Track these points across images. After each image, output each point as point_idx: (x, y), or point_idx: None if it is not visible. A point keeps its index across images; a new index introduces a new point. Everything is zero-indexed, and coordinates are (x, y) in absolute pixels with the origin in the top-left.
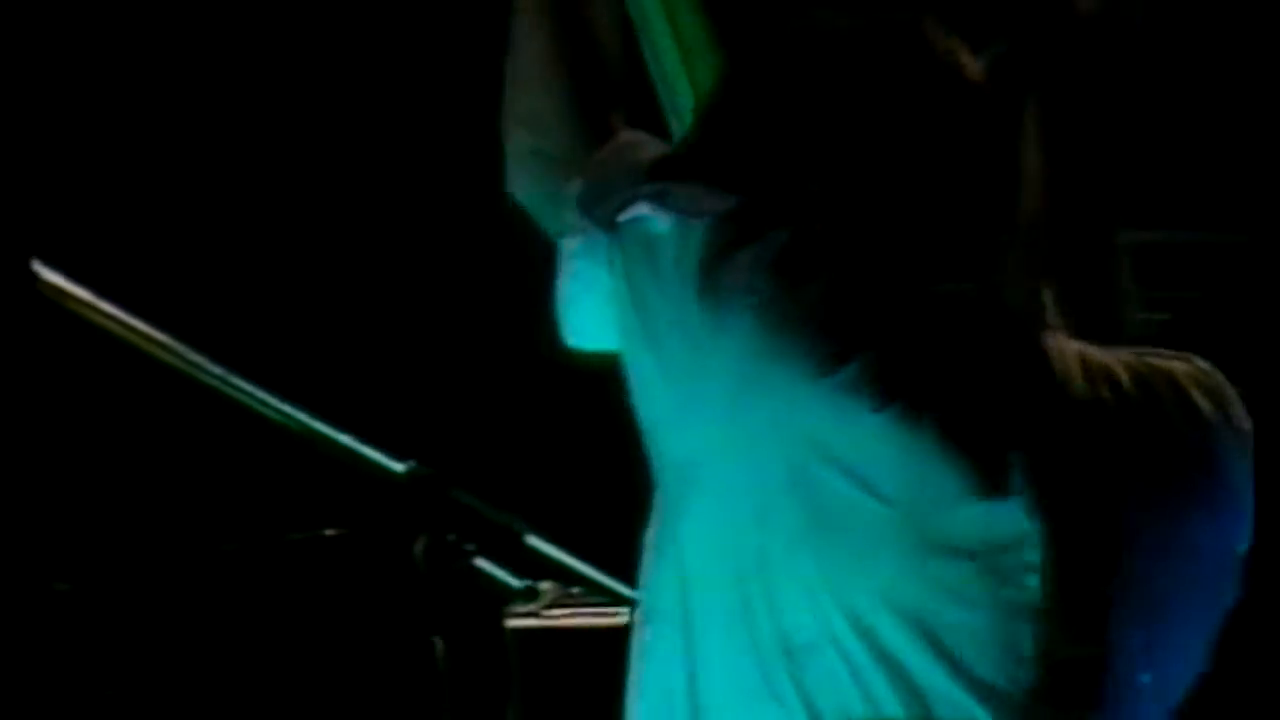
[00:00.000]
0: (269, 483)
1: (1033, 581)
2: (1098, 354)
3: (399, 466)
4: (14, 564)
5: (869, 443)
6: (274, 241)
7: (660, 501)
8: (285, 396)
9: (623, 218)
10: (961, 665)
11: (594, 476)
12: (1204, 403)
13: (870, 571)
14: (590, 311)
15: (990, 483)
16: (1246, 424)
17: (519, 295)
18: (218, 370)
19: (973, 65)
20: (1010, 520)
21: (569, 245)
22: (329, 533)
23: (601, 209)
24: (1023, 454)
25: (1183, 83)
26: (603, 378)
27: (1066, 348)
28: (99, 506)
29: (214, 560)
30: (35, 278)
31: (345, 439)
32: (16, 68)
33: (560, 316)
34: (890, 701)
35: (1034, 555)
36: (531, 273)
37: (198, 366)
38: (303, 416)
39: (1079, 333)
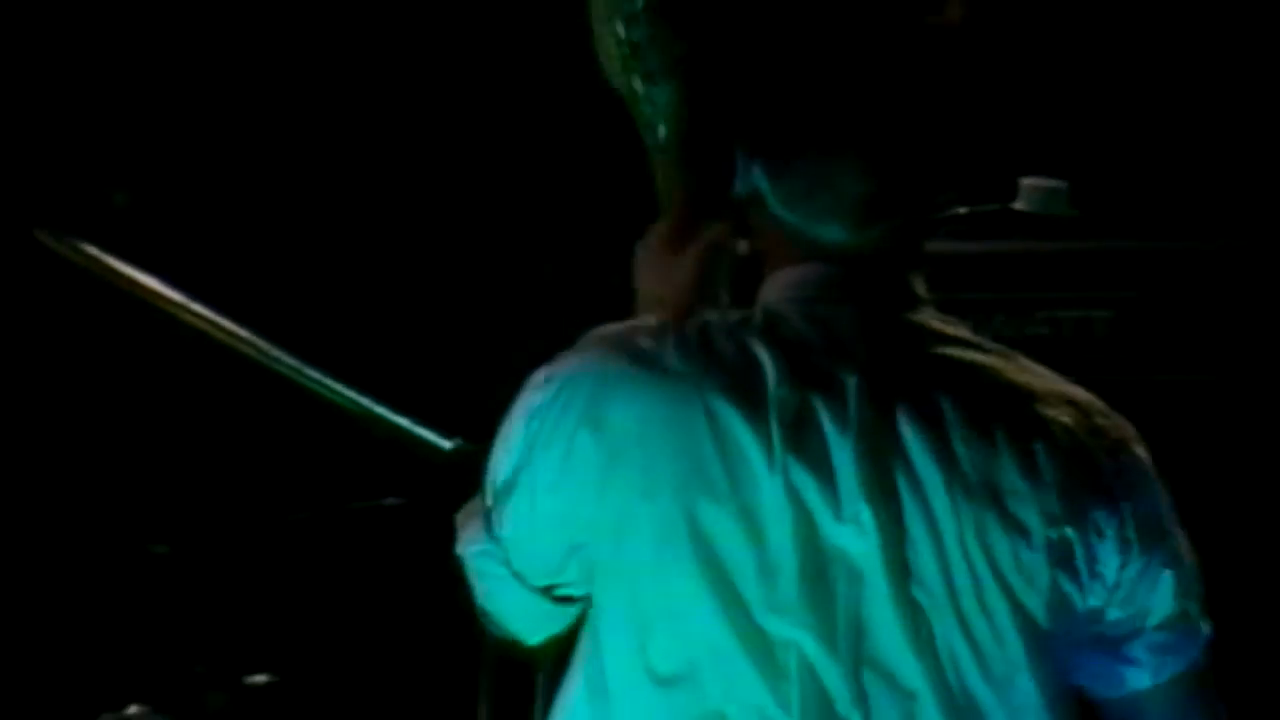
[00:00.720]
0: (337, 459)
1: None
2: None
3: (447, 443)
4: (110, 529)
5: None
6: (341, 239)
7: None
8: (350, 383)
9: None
10: None
11: None
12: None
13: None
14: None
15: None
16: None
17: (544, 288)
18: (292, 361)
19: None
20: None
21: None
22: (388, 502)
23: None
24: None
25: (1122, 93)
26: None
27: (930, 325)
28: (187, 477)
29: (286, 527)
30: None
31: (402, 419)
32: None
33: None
34: None
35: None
36: (559, 264)
37: (277, 360)
38: (365, 400)
39: None
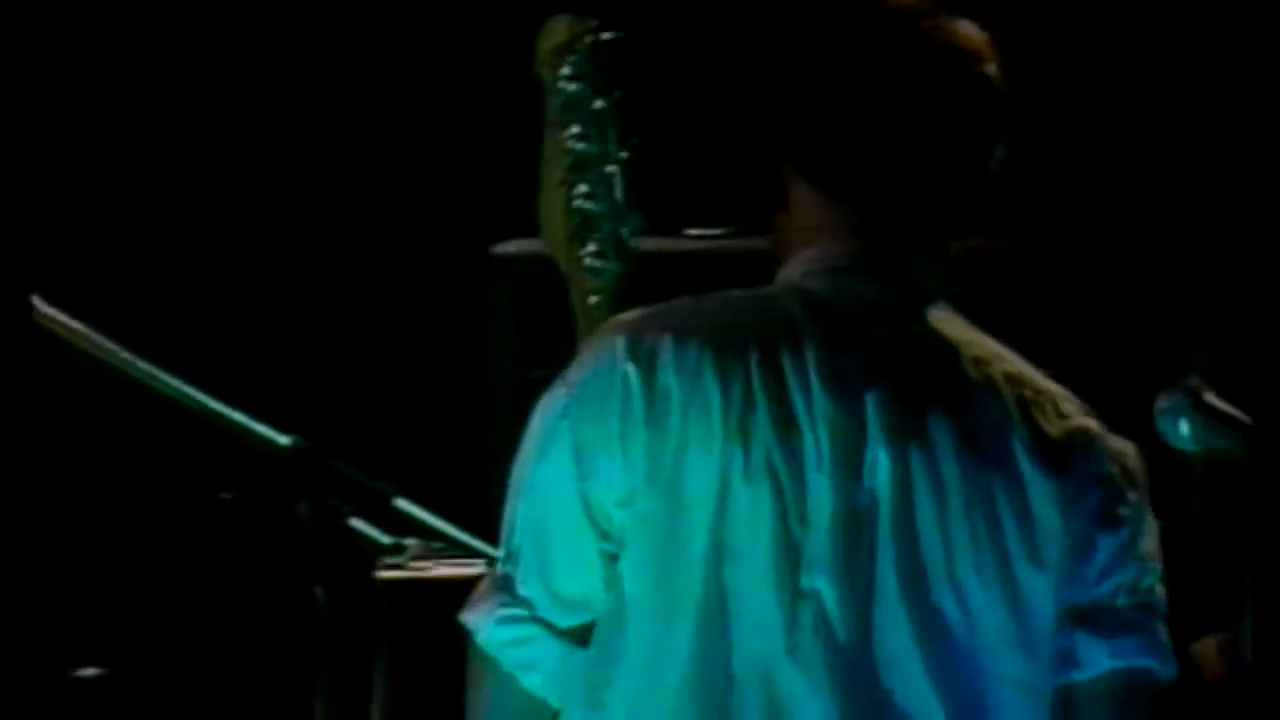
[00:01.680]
0: (177, 455)
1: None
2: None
3: (284, 440)
4: None
5: None
6: (191, 247)
7: None
8: (191, 380)
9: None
10: None
11: (451, 448)
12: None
13: None
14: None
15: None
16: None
17: (386, 296)
18: (128, 355)
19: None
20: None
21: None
22: (226, 496)
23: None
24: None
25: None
26: (457, 369)
27: (948, 326)
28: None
29: (129, 519)
30: None
31: (240, 416)
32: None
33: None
34: None
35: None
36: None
37: (113, 354)
38: (204, 397)
39: None
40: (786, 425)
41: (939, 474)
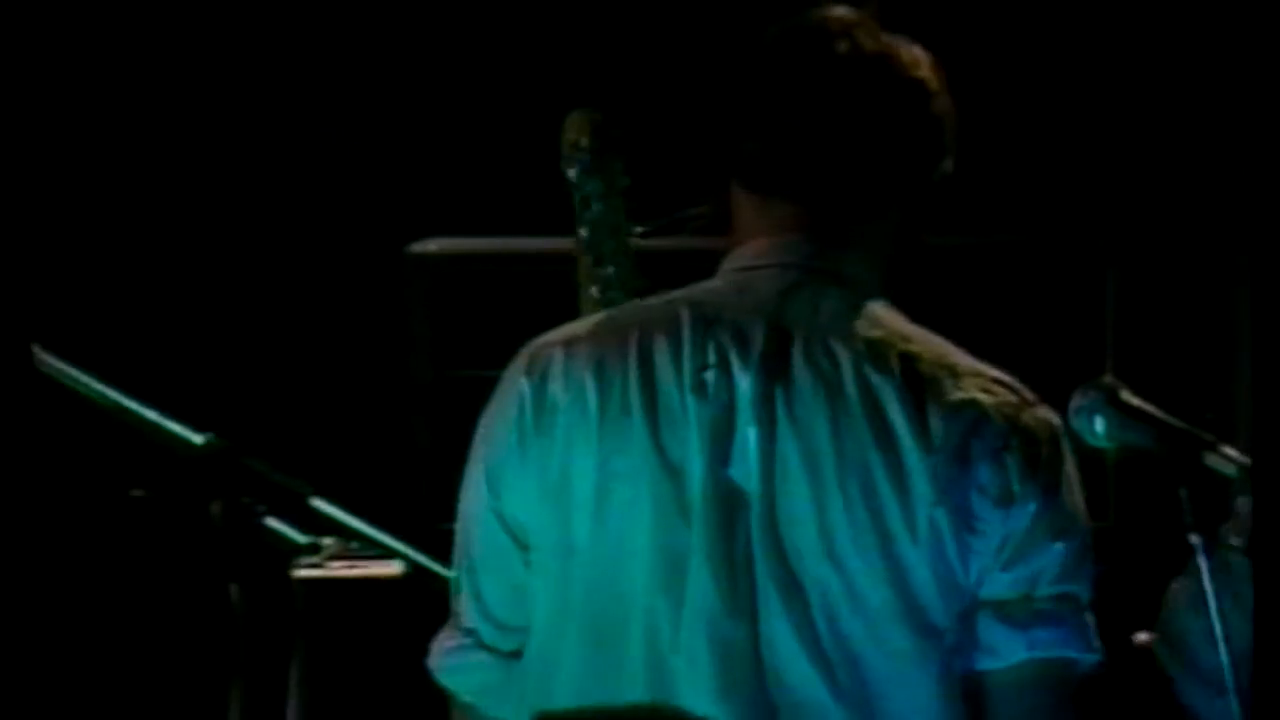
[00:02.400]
0: (88, 452)
1: None
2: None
3: (198, 438)
4: None
5: None
6: (111, 245)
7: None
8: (102, 378)
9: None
10: None
11: (369, 446)
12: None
13: None
14: None
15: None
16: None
17: (303, 294)
18: (46, 355)
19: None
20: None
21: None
22: (137, 494)
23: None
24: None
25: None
26: (375, 368)
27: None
28: None
29: (40, 516)
30: None
31: (153, 414)
32: None
33: None
34: None
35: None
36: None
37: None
38: (117, 394)
39: None
40: (662, 419)
41: (812, 452)
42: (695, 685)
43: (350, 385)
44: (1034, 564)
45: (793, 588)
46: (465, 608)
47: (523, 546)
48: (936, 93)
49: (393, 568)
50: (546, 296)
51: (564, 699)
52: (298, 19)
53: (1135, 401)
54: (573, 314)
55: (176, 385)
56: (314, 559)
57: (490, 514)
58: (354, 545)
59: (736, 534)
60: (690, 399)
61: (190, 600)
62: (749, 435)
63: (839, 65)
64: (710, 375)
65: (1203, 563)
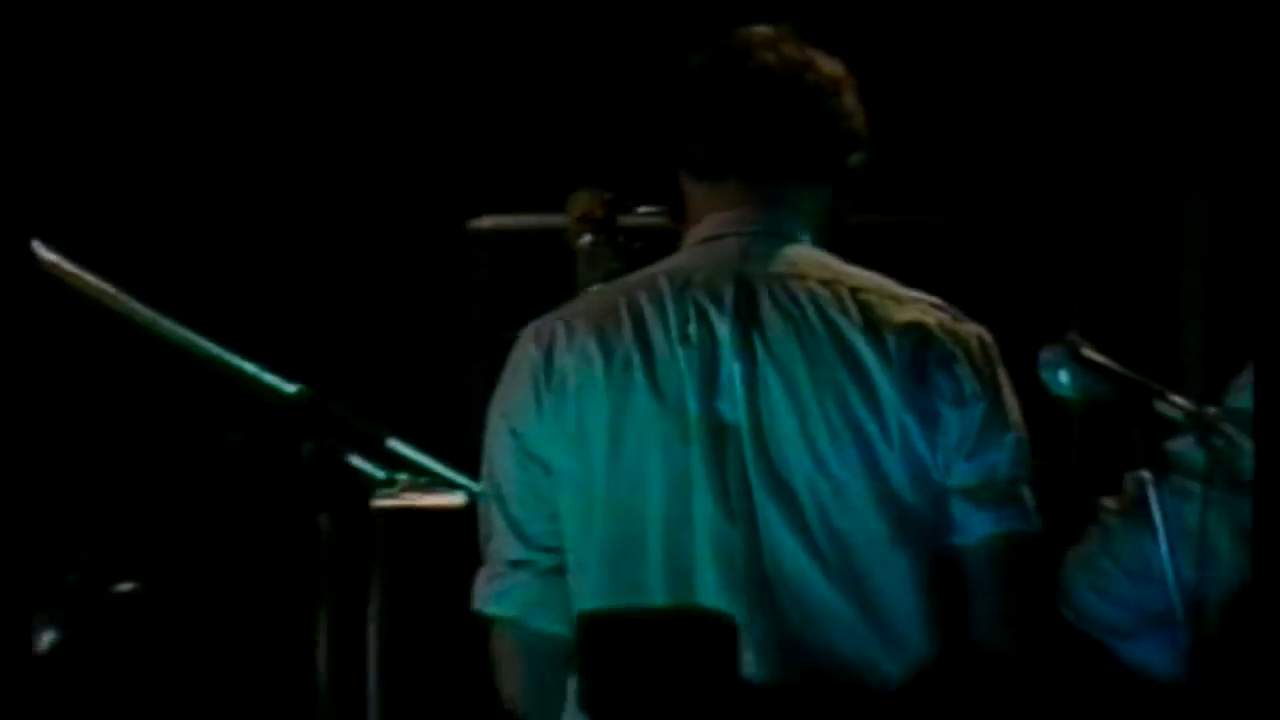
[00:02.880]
0: (202, 403)
1: None
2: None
3: (290, 388)
4: None
5: None
6: (227, 219)
7: None
8: (212, 339)
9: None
10: None
11: (435, 396)
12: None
13: None
14: None
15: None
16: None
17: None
18: (161, 318)
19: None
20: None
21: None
22: (237, 437)
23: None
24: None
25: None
26: (440, 330)
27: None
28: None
29: (155, 459)
30: None
31: (251, 367)
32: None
33: None
34: None
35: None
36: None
37: (137, 312)
38: (224, 352)
39: None
40: (659, 369)
41: (790, 379)
42: (706, 585)
43: (419, 343)
44: (992, 454)
45: (785, 494)
46: (500, 544)
47: (549, 471)
48: (846, 93)
49: (456, 498)
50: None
51: (591, 606)
52: (372, 11)
53: (1095, 356)
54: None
55: (272, 343)
56: (390, 491)
57: (518, 453)
58: (424, 479)
59: (728, 455)
60: (679, 349)
61: (284, 529)
62: (733, 371)
63: (767, 70)
64: (692, 328)
65: (1152, 494)
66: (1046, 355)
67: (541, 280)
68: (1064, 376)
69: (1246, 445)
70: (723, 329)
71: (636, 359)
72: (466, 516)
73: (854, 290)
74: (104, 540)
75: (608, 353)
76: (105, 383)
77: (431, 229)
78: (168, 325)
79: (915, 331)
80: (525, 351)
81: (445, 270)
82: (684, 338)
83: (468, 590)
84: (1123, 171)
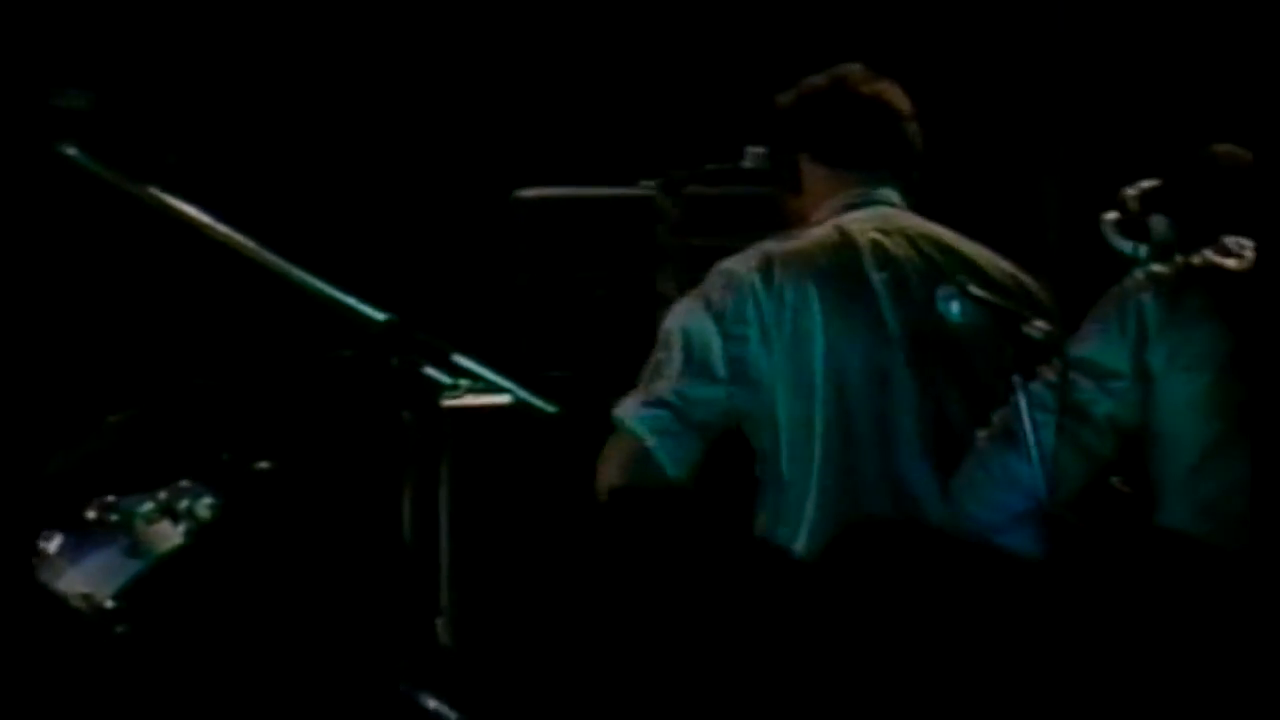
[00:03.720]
0: (309, 329)
1: None
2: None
3: (381, 316)
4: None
5: None
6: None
7: None
8: (328, 280)
9: None
10: None
11: (488, 328)
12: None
13: None
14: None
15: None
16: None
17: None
18: (294, 268)
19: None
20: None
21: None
22: (346, 353)
23: None
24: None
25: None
26: (490, 280)
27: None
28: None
29: (268, 375)
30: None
31: (351, 300)
32: None
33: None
34: None
35: None
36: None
37: (252, 249)
38: (334, 290)
39: None
40: (858, 303)
41: (932, 322)
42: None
43: (477, 282)
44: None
45: (958, 381)
46: (664, 388)
47: (733, 339)
48: (913, 115)
49: (503, 398)
50: (619, 233)
51: (816, 492)
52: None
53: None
54: (639, 248)
55: (370, 285)
56: (455, 393)
57: (717, 339)
58: (480, 384)
59: (928, 358)
60: (876, 274)
61: (378, 422)
62: (913, 289)
63: (884, 95)
64: (887, 273)
65: (1021, 396)
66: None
67: (578, 243)
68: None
69: (1083, 383)
70: (907, 262)
71: (843, 293)
72: (513, 412)
73: (939, 239)
74: (248, 431)
75: (822, 287)
76: (256, 319)
77: (486, 197)
78: (300, 274)
79: (1003, 282)
80: (748, 271)
81: (497, 232)
82: (883, 264)
83: (517, 466)
84: (989, 156)
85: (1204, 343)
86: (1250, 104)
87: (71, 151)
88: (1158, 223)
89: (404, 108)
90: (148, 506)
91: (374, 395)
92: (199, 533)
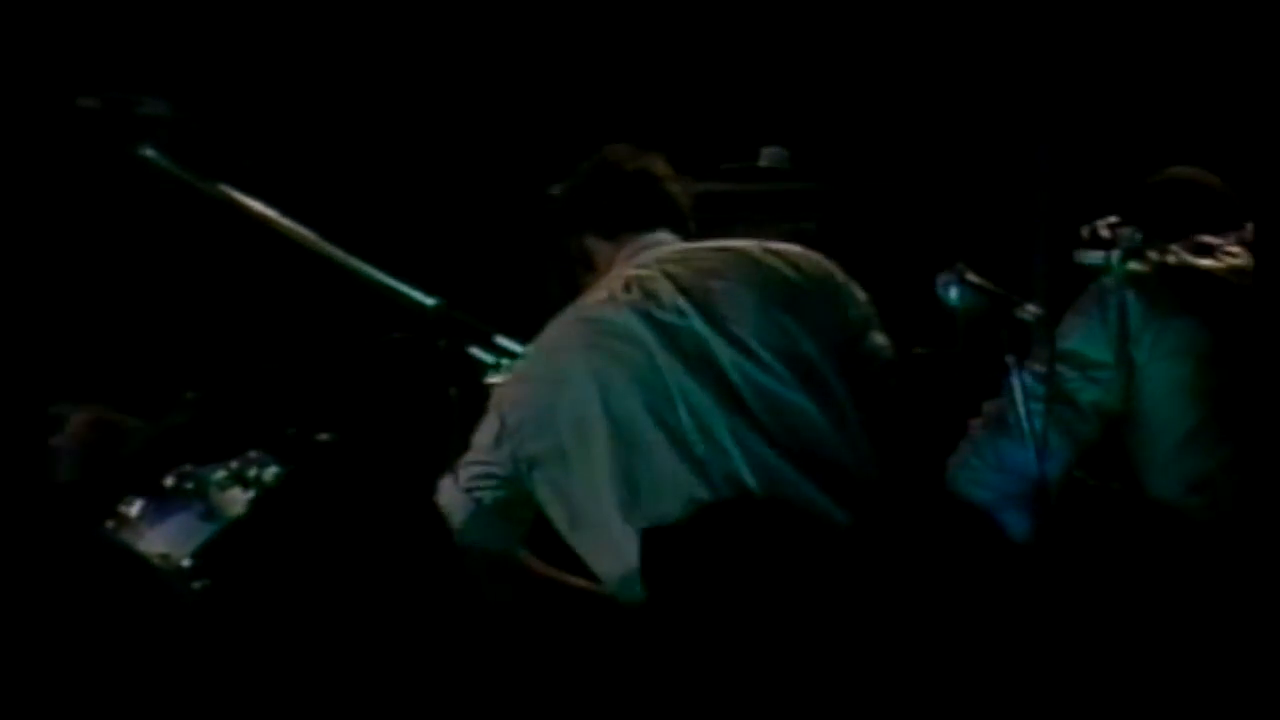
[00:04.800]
0: (365, 314)
1: None
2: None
3: (430, 300)
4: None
5: None
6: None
7: None
8: (372, 262)
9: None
10: None
11: (521, 315)
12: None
13: None
14: None
15: None
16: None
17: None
18: (330, 247)
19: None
20: None
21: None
22: (397, 336)
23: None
24: None
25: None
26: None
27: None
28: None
29: (328, 356)
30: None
31: (402, 286)
32: None
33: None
34: None
35: None
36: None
37: (309, 240)
38: (387, 277)
39: None
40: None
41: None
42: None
43: (515, 271)
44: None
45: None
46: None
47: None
48: (674, 176)
49: None
50: None
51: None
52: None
53: (974, 278)
54: None
55: (418, 272)
56: (498, 372)
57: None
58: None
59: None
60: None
61: (427, 399)
62: (707, 334)
63: (640, 168)
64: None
65: (1015, 378)
66: (942, 278)
67: None
68: (953, 292)
69: (1068, 373)
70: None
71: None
72: None
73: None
74: (311, 406)
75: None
76: (318, 306)
77: (523, 193)
78: (356, 264)
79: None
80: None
81: (532, 227)
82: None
83: None
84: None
85: (1183, 335)
86: (1248, 105)
87: (150, 154)
88: (1126, 232)
89: (450, 110)
90: (221, 475)
91: (423, 373)
92: (263, 497)
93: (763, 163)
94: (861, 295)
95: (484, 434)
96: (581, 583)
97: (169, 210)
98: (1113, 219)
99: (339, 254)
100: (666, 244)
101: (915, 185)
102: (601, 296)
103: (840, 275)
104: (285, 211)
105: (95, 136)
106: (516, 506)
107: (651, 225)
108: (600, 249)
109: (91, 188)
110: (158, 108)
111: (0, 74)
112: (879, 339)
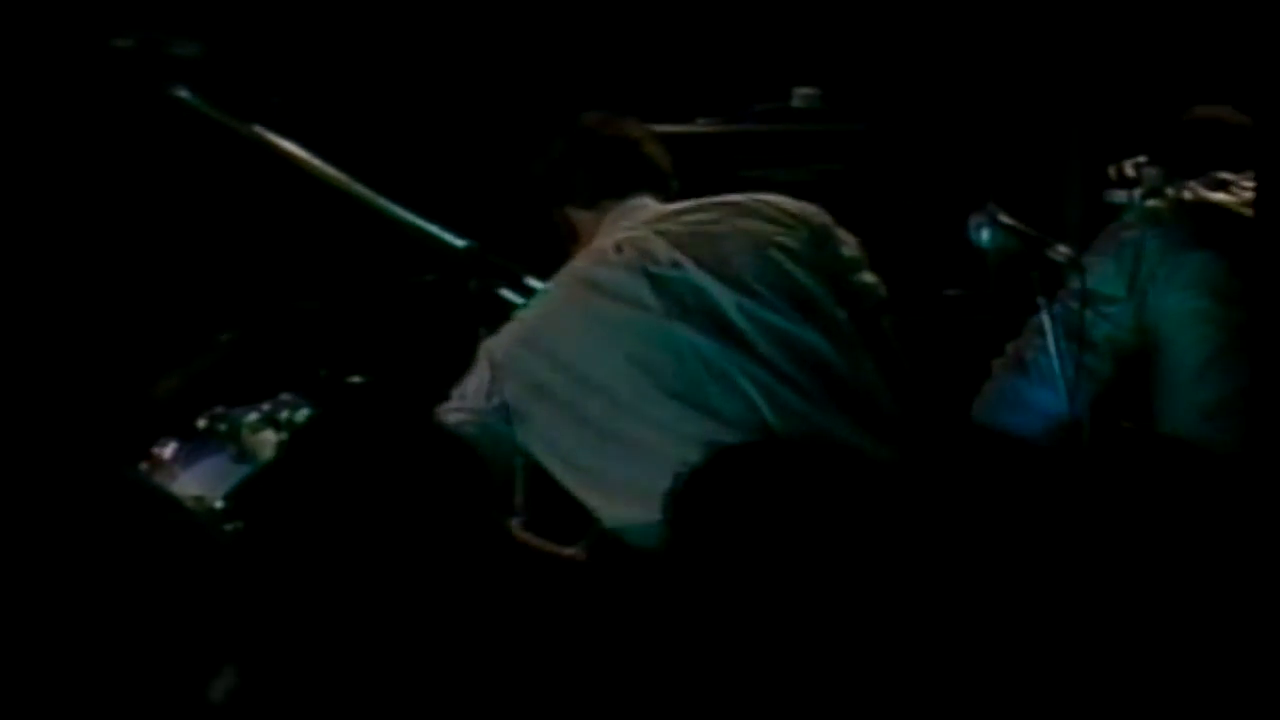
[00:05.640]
0: (397, 256)
1: None
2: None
3: (461, 242)
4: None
5: None
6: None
7: None
8: (404, 204)
9: None
10: None
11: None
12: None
13: None
14: None
15: None
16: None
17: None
18: (362, 188)
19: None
20: None
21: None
22: (430, 278)
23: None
24: None
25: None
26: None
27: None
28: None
29: (360, 298)
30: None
31: (437, 229)
32: None
33: None
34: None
35: None
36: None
37: (346, 183)
38: (410, 215)
39: None
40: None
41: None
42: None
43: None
44: None
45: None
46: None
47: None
48: (651, 136)
49: None
50: (675, 168)
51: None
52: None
53: (1006, 219)
54: (695, 183)
55: (449, 214)
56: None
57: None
58: None
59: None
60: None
61: (458, 337)
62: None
63: (616, 132)
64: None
65: (1045, 316)
66: (974, 219)
67: None
68: (985, 234)
69: (1089, 315)
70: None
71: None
72: None
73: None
74: (343, 348)
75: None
76: (350, 247)
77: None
78: (388, 205)
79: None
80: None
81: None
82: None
83: None
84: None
85: (1198, 267)
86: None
87: (184, 94)
88: (1150, 171)
89: (476, 50)
90: (253, 417)
91: (454, 315)
92: (293, 437)
93: (796, 103)
94: (851, 239)
95: (470, 380)
96: (571, 552)
97: (201, 151)
98: (1140, 159)
99: (371, 195)
100: (649, 208)
101: (948, 126)
102: (593, 259)
103: (829, 219)
104: (317, 153)
105: (129, 77)
106: (486, 448)
107: (633, 190)
108: (583, 219)
109: (125, 128)
110: (190, 48)
111: (35, 16)
112: (870, 278)
